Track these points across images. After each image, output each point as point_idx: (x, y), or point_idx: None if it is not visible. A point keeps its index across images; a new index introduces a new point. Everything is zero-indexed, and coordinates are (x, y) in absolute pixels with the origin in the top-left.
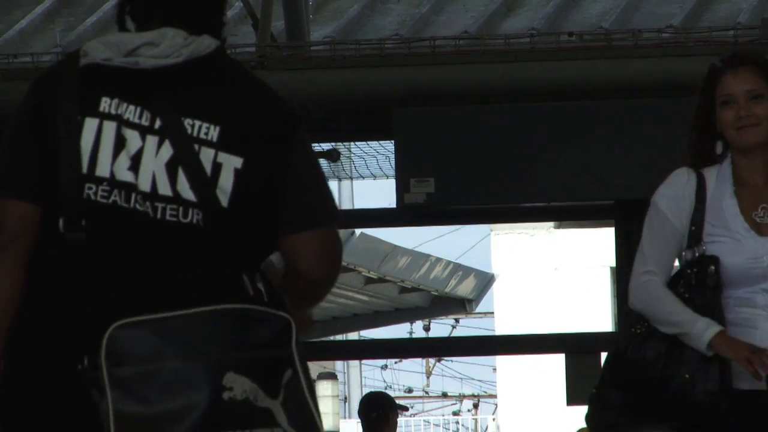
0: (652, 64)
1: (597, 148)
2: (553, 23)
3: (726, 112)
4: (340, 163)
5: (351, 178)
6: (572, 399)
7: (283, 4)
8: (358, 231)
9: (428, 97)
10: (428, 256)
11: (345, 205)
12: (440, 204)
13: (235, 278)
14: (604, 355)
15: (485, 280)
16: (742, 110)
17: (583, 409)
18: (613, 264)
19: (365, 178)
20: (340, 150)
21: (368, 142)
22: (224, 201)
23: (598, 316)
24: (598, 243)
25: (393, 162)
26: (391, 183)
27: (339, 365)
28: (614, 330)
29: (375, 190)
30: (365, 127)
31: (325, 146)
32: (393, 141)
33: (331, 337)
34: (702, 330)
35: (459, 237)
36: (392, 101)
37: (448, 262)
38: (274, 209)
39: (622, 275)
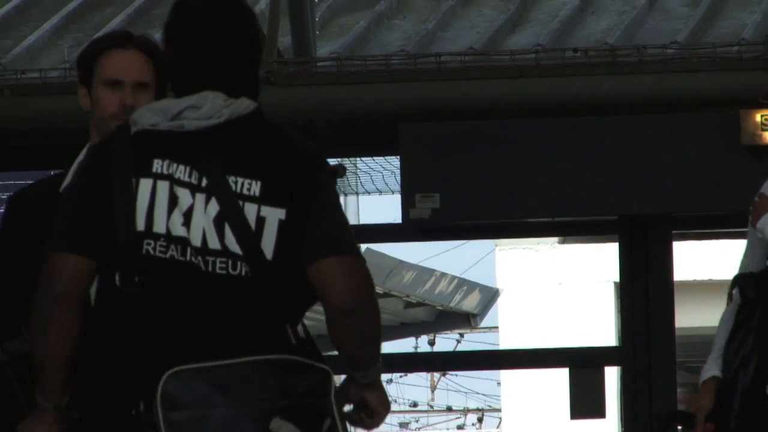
0: (657, 80)
1: (602, 164)
2: (558, 39)
3: None
4: (345, 179)
5: (357, 194)
6: (576, 413)
7: (289, 20)
8: (363, 246)
9: (434, 112)
10: (433, 271)
11: (351, 220)
12: (445, 219)
13: (279, 328)
14: (607, 370)
15: (490, 295)
16: None
17: (586, 423)
18: (617, 279)
19: (371, 194)
20: (346, 165)
21: (374, 158)
22: (269, 254)
23: (601, 331)
24: (602, 258)
25: (399, 177)
26: (397, 198)
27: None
28: (618, 345)
29: (380, 206)
30: (371, 142)
31: (332, 161)
32: (399, 156)
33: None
34: (703, 372)
35: (464, 252)
36: (398, 117)
37: (453, 277)
38: (298, 252)
39: (625, 290)
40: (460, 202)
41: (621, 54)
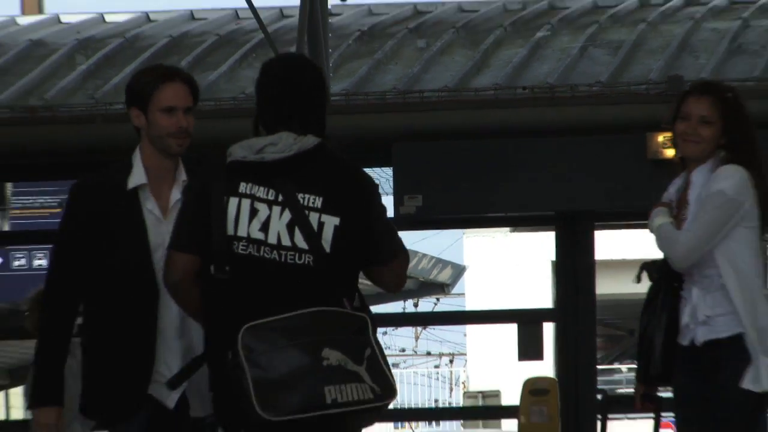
0: (586, 111)
1: (544, 174)
2: (512, 79)
3: (679, 125)
4: None
5: None
6: (522, 356)
7: None
8: None
9: (418, 134)
10: (416, 252)
11: None
12: (426, 214)
13: (337, 300)
14: (545, 325)
15: (459, 270)
16: (690, 128)
17: (530, 364)
18: (554, 258)
19: None
20: None
21: (373, 168)
22: (327, 248)
23: (541, 297)
24: (543, 243)
25: (392, 183)
26: (390, 199)
27: None
28: (553, 307)
29: None
30: (371, 157)
31: None
32: (392, 167)
33: None
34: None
35: (440, 238)
36: (392, 138)
37: (432, 257)
38: (362, 251)
39: (559, 267)
40: (437, 201)
41: (558, 91)
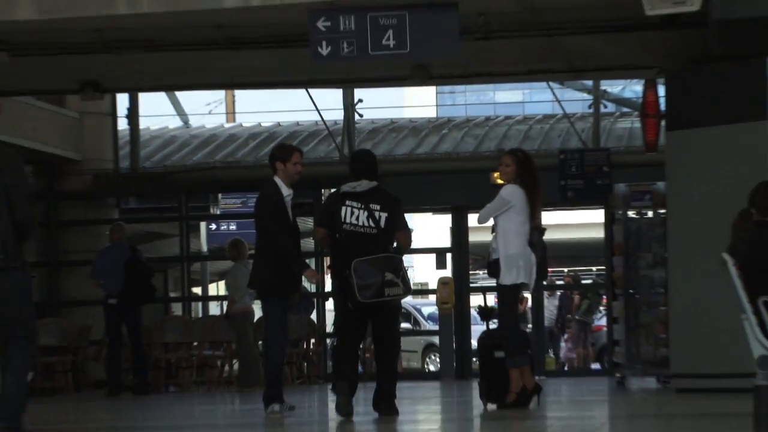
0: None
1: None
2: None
3: (499, 167)
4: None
5: None
6: (438, 267)
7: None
8: None
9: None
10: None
11: None
12: None
13: (387, 248)
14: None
15: None
16: (501, 168)
17: (442, 271)
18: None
19: None
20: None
21: None
22: (382, 226)
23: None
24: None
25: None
26: None
27: None
28: (451, 275)
29: None
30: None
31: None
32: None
33: None
34: None
35: None
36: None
37: None
38: (393, 227)
39: (454, 246)
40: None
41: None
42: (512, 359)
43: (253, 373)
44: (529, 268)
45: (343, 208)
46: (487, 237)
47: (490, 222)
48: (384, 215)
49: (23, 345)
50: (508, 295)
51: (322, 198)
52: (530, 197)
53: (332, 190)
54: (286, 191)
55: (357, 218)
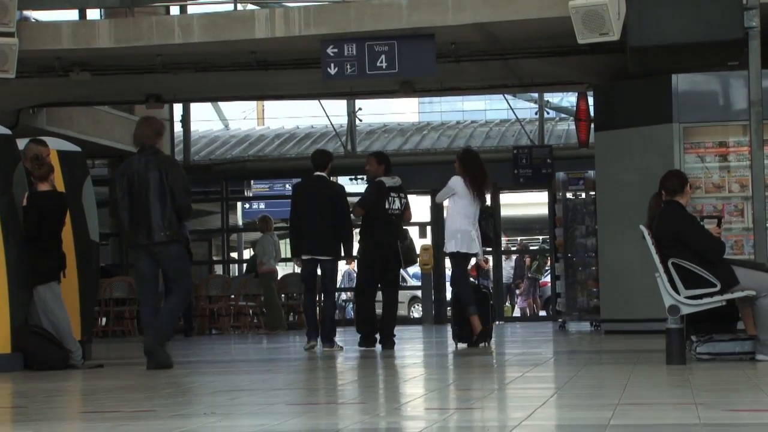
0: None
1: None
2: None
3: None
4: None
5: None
6: (420, 236)
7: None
8: None
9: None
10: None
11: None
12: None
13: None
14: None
15: None
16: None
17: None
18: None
19: None
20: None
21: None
22: (402, 208)
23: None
24: None
25: None
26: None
27: None
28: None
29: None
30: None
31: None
32: None
33: None
34: None
35: None
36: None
37: None
38: (405, 209)
39: (432, 220)
40: None
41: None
42: (466, 309)
43: (277, 319)
44: (468, 240)
45: (389, 198)
46: None
47: (447, 203)
48: (403, 201)
49: (180, 293)
50: (452, 260)
51: None
52: (473, 186)
53: (378, 180)
54: None
55: (394, 204)
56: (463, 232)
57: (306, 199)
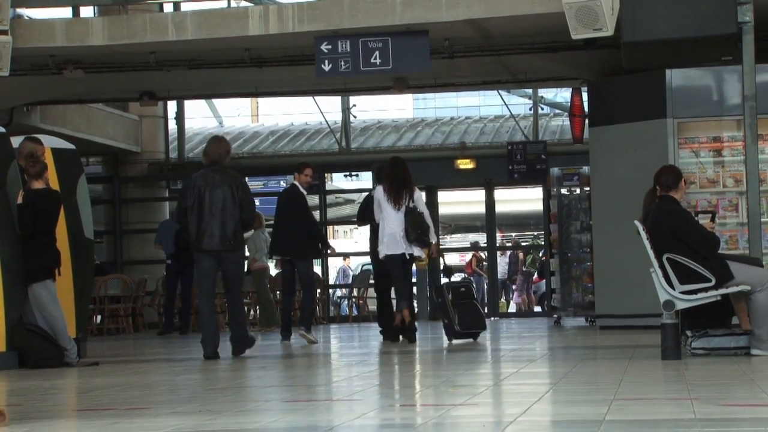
0: None
1: None
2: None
3: None
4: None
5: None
6: None
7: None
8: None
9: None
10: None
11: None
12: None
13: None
14: None
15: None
16: None
17: None
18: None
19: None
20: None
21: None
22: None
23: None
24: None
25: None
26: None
27: None
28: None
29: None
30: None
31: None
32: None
33: None
34: None
35: None
36: (373, 161)
37: None
38: None
39: None
40: None
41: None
42: (398, 304)
43: (271, 316)
44: (394, 243)
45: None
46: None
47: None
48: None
49: (239, 298)
50: (387, 263)
51: (326, 181)
52: (389, 194)
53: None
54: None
55: None
56: (389, 236)
57: (281, 205)
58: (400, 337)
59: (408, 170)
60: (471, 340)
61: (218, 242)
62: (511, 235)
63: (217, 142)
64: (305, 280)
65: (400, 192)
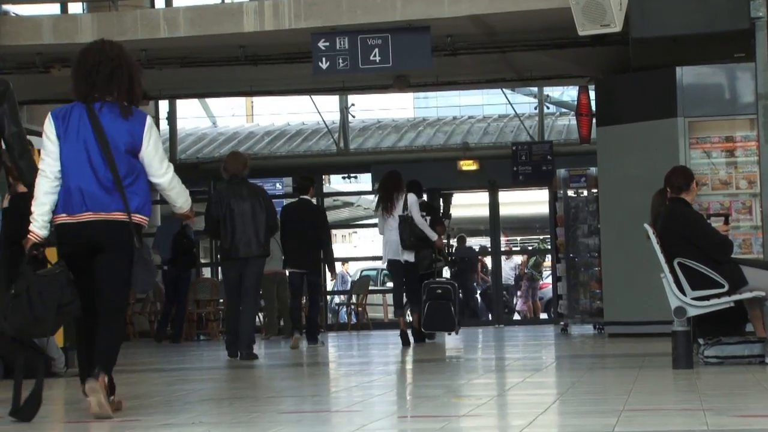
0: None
1: None
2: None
3: None
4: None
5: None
6: None
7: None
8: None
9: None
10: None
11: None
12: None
13: None
14: None
15: None
16: None
17: None
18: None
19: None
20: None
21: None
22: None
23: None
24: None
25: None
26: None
27: None
28: None
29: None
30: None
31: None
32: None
33: None
34: None
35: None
36: (372, 163)
37: None
38: None
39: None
40: None
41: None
42: (397, 311)
43: (273, 324)
44: (394, 249)
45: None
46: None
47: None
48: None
49: (254, 302)
50: (388, 268)
51: (324, 183)
52: (381, 203)
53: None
54: None
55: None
56: (388, 244)
57: (290, 219)
58: (411, 340)
59: (397, 179)
60: (429, 340)
61: (254, 248)
62: (516, 240)
63: (234, 157)
64: (312, 293)
65: (387, 204)
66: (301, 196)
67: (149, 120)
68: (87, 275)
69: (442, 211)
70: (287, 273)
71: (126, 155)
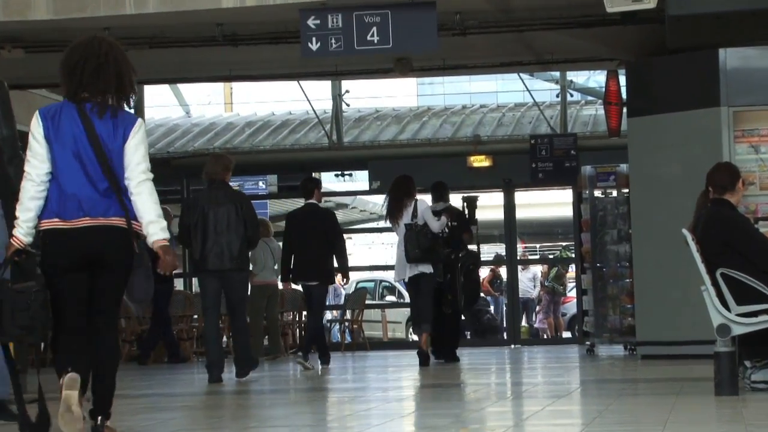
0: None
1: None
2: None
3: None
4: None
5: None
6: None
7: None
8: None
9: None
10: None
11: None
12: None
13: None
14: None
15: None
16: None
17: None
18: None
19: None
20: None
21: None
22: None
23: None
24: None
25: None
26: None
27: None
28: None
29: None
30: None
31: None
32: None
33: None
34: None
35: None
36: (370, 158)
37: None
38: None
39: None
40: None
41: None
42: (417, 328)
43: (259, 344)
44: (402, 266)
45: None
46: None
47: None
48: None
49: (243, 318)
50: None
51: None
52: (389, 214)
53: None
54: None
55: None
56: (398, 260)
57: (295, 227)
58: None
59: (406, 185)
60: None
61: (226, 261)
62: (535, 247)
63: (215, 160)
64: (315, 308)
65: (394, 212)
66: (307, 200)
67: (139, 121)
68: (78, 286)
69: (467, 215)
70: (300, 287)
71: (119, 159)
